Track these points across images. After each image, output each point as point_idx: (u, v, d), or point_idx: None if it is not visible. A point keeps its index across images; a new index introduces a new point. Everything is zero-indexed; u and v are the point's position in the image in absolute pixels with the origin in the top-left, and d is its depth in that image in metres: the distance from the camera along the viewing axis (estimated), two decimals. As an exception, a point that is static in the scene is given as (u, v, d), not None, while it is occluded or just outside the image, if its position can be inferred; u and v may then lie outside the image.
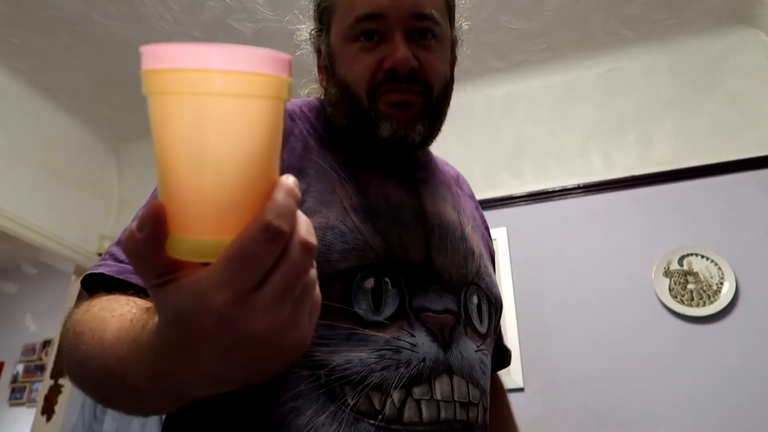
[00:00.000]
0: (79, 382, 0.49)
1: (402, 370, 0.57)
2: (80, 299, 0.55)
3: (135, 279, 0.54)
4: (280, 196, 0.28)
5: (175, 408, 0.43)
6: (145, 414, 0.49)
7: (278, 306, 0.28)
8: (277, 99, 0.29)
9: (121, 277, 0.55)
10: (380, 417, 0.54)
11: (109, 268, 0.56)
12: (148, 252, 0.28)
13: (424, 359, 0.58)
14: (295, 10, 0.83)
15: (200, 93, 0.27)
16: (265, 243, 0.27)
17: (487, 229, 0.87)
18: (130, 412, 0.48)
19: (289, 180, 0.29)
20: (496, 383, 0.90)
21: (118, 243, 0.59)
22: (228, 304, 0.27)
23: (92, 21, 2.13)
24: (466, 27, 0.78)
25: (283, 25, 2.12)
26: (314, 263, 0.31)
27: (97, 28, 2.16)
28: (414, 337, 0.59)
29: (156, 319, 0.32)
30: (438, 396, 0.58)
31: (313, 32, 0.76)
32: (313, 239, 0.29)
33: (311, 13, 0.76)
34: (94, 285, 0.57)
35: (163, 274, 0.29)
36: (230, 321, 0.28)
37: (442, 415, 0.58)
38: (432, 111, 0.69)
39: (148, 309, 0.40)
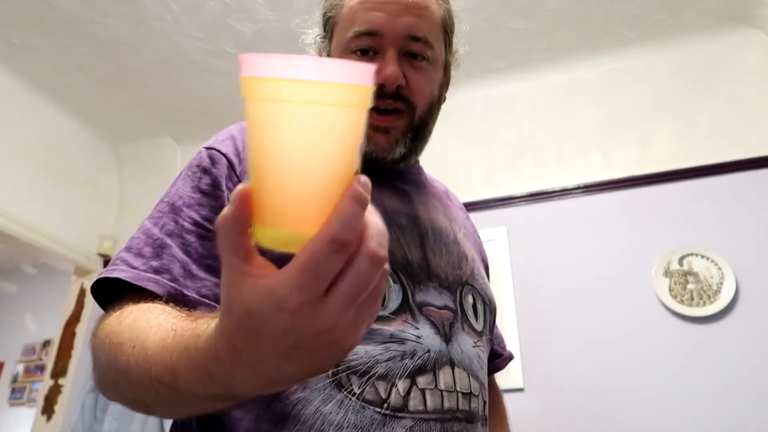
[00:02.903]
0: (116, 391, 0.50)
1: (407, 360, 0.58)
2: (105, 315, 0.55)
3: (152, 286, 0.54)
4: (347, 205, 0.29)
5: (219, 410, 0.45)
6: (187, 416, 0.50)
7: (344, 311, 0.31)
8: (359, 107, 0.32)
9: (138, 283, 0.55)
10: (386, 405, 0.56)
11: (124, 273, 0.56)
12: (235, 227, 0.31)
13: (428, 350, 0.60)
14: (304, 15, 0.85)
15: (293, 101, 0.30)
16: (332, 254, 0.29)
17: (479, 238, 0.90)
18: (171, 416, 0.50)
19: (358, 184, 0.30)
20: (493, 388, 0.90)
21: (128, 249, 0.59)
22: (301, 307, 0.30)
23: (92, 21, 2.13)
24: (462, 51, 0.82)
25: (283, 25, 2.12)
26: (384, 274, 0.32)
27: (97, 28, 2.17)
28: (418, 329, 0.61)
29: (213, 325, 0.35)
30: (442, 386, 0.60)
31: (317, 38, 0.80)
32: (382, 251, 0.31)
33: (318, 19, 0.80)
34: (106, 291, 0.58)
35: (244, 259, 0.31)
36: (300, 321, 0.30)
37: (446, 404, 0.59)
38: (415, 129, 0.73)
39: (193, 319, 0.42)
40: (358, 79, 0.31)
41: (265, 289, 0.30)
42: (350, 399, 0.55)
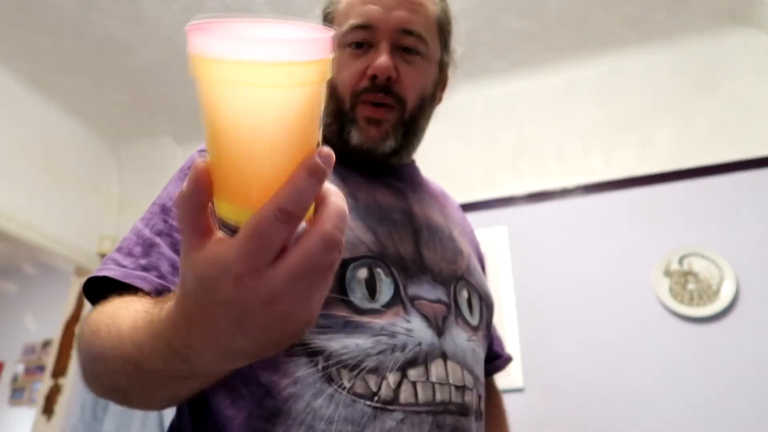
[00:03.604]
0: (95, 380, 0.51)
1: (397, 353, 0.58)
2: (91, 311, 0.56)
3: (140, 282, 0.55)
4: (298, 174, 0.29)
5: (189, 395, 0.45)
6: (161, 406, 0.51)
7: (291, 284, 0.31)
8: (320, 83, 0.30)
9: (126, 280, 0.55)
10: (376, 398, 0.56)
11: (113, 272, 0.57)
12: (193, 203, 0.31)
13: (420, 343, 0.60)
14: (304, 15, 0.87)
15: (250, 84, 0.28)
16: (277, 223, 0.29)
17: (476, 238, 0.90)
18: (147, 402, 0.50)
19: (318, 156, 0.30)
20: (492, 389, 0.90)
21: (119, 249, 0.60)
22: (245, 273, 0.30)
23: (92, 21, 2.13)
24: (460, 52, 0.83)
25: (283, 25, 2.12)
26: (336, 255, 0.32)
27: (97, 28, 2.17)
28: (409, 322, 0.61)
29: (174, 300, 0.36)
30: (433, 378, 0.59)
31: None
32: (337, 234, 0.31)
33: (317, 18, 0.82)
34: (97, 291, 0.58)
35: (202, 234, 0.32)
36: (245, 288, 0.30)
37: (438, 396, 0.59)
38: (406, 125, 0.73)
39: (164, 300, 0.42)
40: (319, 54, 0.29)
41: (214, 256, 0.31)
42: (341, 393, 0.55)
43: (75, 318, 2.70)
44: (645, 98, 2.22)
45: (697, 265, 1.92)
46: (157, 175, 2.78)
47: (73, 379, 2.58)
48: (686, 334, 1.85)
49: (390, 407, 0.56)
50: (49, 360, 2.67)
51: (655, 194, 2.07)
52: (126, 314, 0.47)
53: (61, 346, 2.65)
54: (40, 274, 4.32)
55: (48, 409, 2.55)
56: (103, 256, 2.78)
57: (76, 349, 0.54)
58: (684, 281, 1.91)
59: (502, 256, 2.15)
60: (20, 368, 4.20)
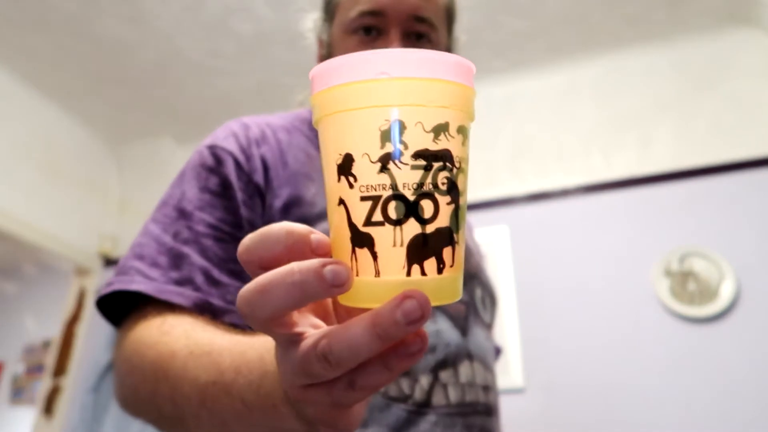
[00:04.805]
0: (152, 404, 0.47)
1: (428, 356, 0.58)
2: (131, 327, 0.53)
3: (177, 299, 0.52)
4: (359, 331, 0.25)
5: None
6: None
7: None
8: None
9: (161, 296, 0.52)
10: (410, 401, 0.56)
11: (144, 286, 0.53)
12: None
13: (448, 344, 0.60)
14: (305, 14, 0.85)
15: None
16: (319, 364, 0.27)
17: (474, 235, 0.91)
18: None
19: (396, 313, 0.25)
20: None
21: (140, 258, 0.56)
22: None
23: (92, 21, 2.13)
24: (464, 38, 0.82)
25: (283, 25, 2.12)
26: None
27: (97, 28, 2.17)
28: (436, 323, 0.61)
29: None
30: (463, 379, 0.60)
31: (317, 21, 0.80)
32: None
33: (318, 2, 0.80)
34: (112, 299, 0.56)
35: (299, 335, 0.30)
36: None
37: (467, 397, 0.59)
38: None
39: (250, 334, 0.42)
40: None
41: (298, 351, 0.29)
42: (375, 396, 0.54)
43: (75, 318, 2.70)
44: (645, 98, 2.23)
45: (697, 265, 1.92)
46: (157, 175, 2.78)
47: (73, 379, 2.58)
48: (686, 334, 1.85)
49: (424, 410, 0.56)
50: (49, 360, 2.67)
51: (655, 194, 2.07)
52: (204, 336, 0.45)
53: (61, 346, 2.65)
54: (40, 274, 4.32)
55: (48, 408, 2.55)
56: (103, 256, 2.78)
57: (122, 372, 0.51)
58: (684, 281, 1.91)
59: (503, 255, 2.15)
60: (20, 368, 4.21)
